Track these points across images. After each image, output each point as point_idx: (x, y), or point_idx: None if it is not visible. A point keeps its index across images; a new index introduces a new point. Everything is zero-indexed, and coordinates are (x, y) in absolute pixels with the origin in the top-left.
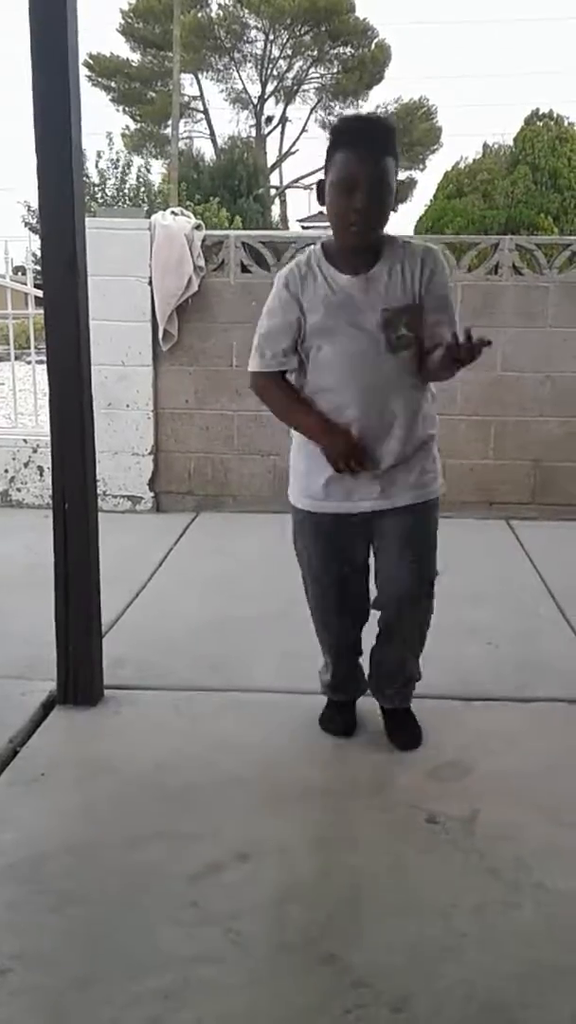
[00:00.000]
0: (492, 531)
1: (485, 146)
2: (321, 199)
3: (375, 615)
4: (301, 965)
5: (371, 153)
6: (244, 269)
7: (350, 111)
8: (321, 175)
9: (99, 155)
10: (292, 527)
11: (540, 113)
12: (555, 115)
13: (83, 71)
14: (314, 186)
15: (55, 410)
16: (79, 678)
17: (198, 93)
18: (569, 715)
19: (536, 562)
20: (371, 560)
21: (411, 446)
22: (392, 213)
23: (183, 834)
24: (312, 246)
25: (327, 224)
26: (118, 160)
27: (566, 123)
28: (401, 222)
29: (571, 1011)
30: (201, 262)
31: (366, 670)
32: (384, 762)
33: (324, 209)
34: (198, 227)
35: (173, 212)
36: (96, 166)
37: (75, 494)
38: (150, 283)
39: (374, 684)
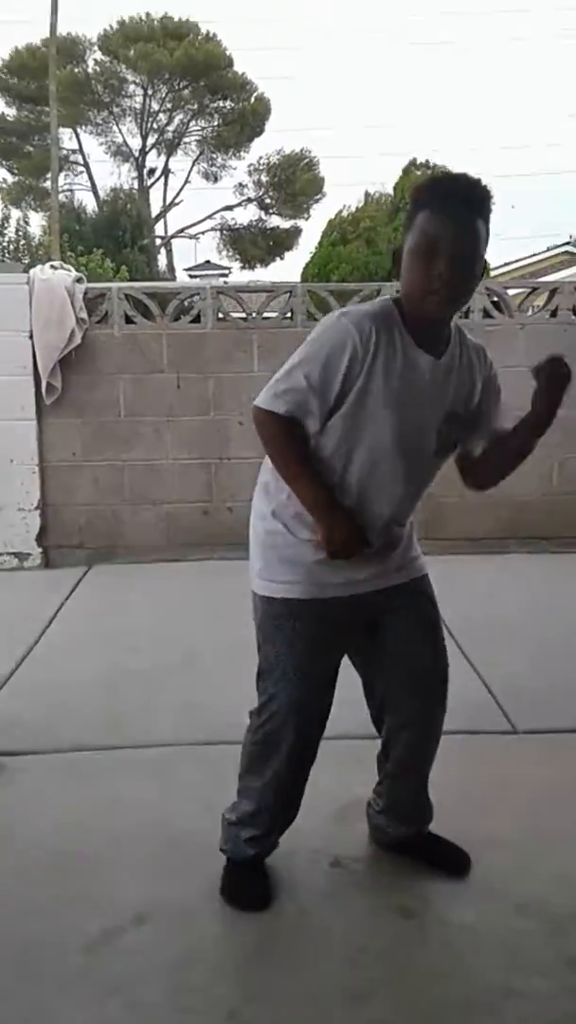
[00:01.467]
0: None
1: (366, 194)
2: (397, 270)
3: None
4: None
5: (465, 215)
6: (128, 320)
7: (233, 162)
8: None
9: None
10: (264, 628)
11: (417, 162)
12: (431, 164)
13: None
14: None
15: None
16: None
17: (77, 146)
18: (467, 746)
19: None
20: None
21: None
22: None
23: (79, 901)
24: (384, 299)
25: (214, 272)
26: None
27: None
28: (287, 270)
29: None
30: (83, 315)
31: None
32: None
33: (399, 283)
34: (79, 280)
35: (52, 266)
36: None
37: None
38: (31, 337)
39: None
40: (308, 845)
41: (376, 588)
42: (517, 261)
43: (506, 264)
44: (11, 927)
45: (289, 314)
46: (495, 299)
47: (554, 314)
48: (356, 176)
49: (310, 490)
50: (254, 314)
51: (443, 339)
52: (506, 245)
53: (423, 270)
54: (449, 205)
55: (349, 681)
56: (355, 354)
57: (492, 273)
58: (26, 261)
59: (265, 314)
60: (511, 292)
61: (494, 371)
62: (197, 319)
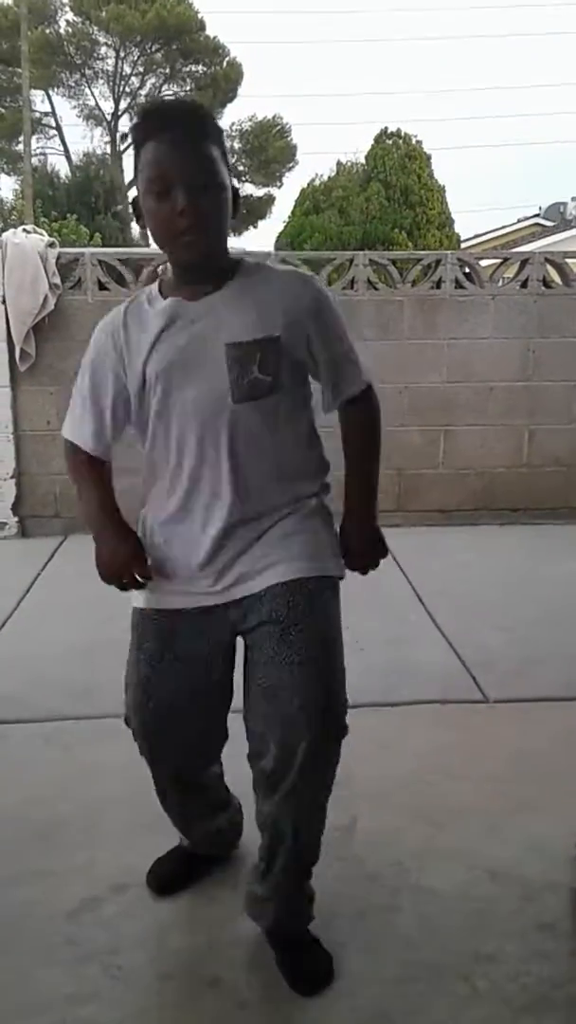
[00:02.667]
0: None
1: (339, 163)
2: (140, 218)
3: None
4: (185, 992)
5: (186, 138)
6: (102, 287)
7: None
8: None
9: None
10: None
11: (389, 132)
12: (403, 133)
13: None
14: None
15: None
16: None
17: (49, 109)
18: (439, 716)
19: (404, 568)
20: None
21: (276, 513)
22: (231, 218)
23: (58, 870)
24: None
25: None
26: None
27: (413, 141)
28: (261, 238)
29: (449, 1011)
30: (56, 280)
31: None
32: None
33: (149, 231)
34: (52, 245)
35: (25, 230)
36: None
37: None
38: (3, 302)
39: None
40: None
41: (232, 598)
42: (488, 233)
43: (477, 236)
44: None
45: None
46: (467, 270)
47: (524, 285)
48: (328, 144)
49: (82, 505)
50: None
51: (214, 280)
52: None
53: (162, 213)
54: (170, 130)
55: None
56: (110, 356)
57: (463, 245)
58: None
59: None
60: (483, 263)
61: (315, 290)
62: None
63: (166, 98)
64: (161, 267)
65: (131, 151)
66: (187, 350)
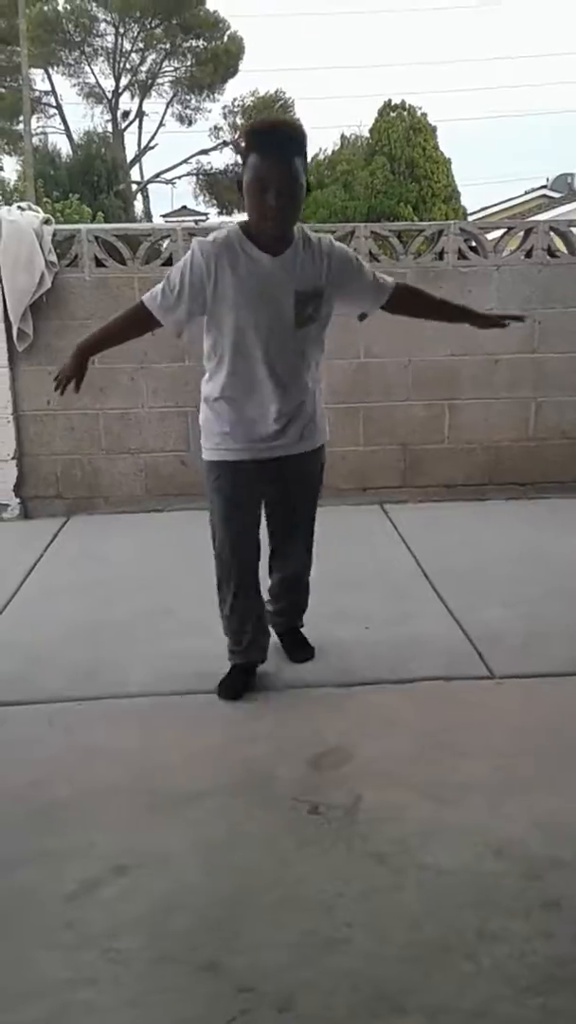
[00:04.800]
0: (367, 516)
1: (343, 137)
2: (241, 199)
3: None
4: (183, 976)
5: (281, 155)
6: (99, 264)
7: (207, 104)
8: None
9: None
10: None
11: (393, 104)
12: (407, 106)
13: None
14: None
15: None
16: None
17: (49, 88)
18: (445, 692)
19: (410, 544)
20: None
21: (300, 399)
22: (302, 208)
23: (57, 852)
24: (229, 226)
25: (192, 218)
26: None
27: (419, 113)
28: None
29: (454, 989)
30: (53, 257)
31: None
32: (265, 757)
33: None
34: (47, 221)
35: (20, 207)
36: None
37: None
38: None
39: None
40: (286, 792)
41: (274, 456)
42: (495, 206)
43: (483, 209)
44: None
45: None
46: (471, 243)
47: (529, 255)
48: (331, 118)
49: (101, 327)
50: None
51: (285, 243)
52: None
53: (257, 203)
54: (270, 148)
55: (315, 630)
56: (200, 264)
57: (470, 218)
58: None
59: None
60: (489, 236)
61: (339, 252)
62: (169, 262)
63: (270, 118)
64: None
65: (136, 128)
66: (266, 289)
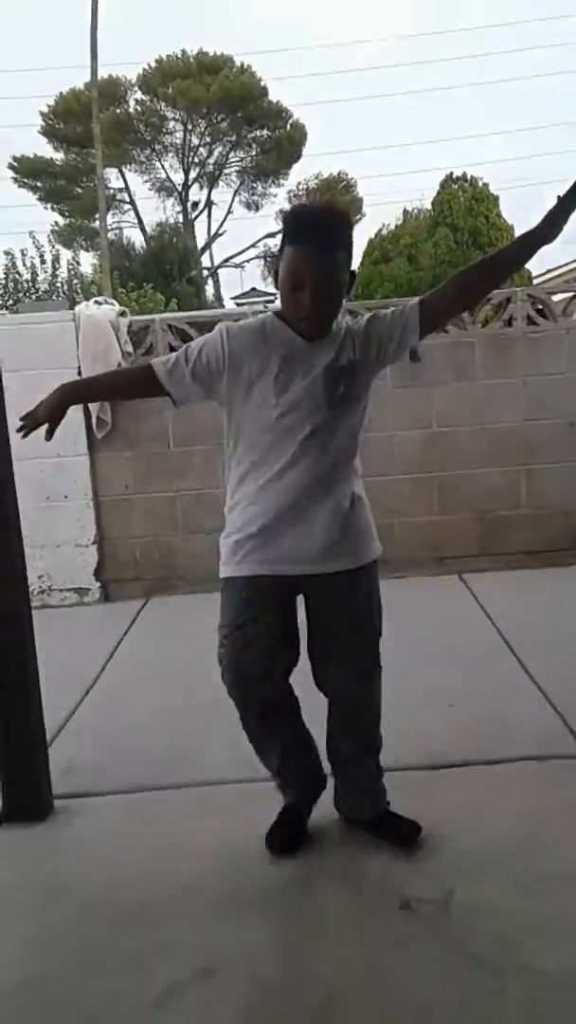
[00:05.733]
0: (444, 587)
1: (405, 212)
2: (276, 282)
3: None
4: None
5: (318, 250)
6: (172, 350)
7: (273, 189)
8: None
9: (23, 252)
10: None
11: (454, 176)
12: (468, 177)
13: (9, 173)
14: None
15: None
16: (24, 793)
17: (123, 185)
18: (538, 774)
19: (491, 614)
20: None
21: (344, 504)
22: (343, 301)
23: (143, 955)
24: (265, 314)
25: (259, 300)
26: (43, 255)
27: (480, 184)
28: None
29: None
30: (129, 348)
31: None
32: (352, 848)
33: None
34: (123, 313)
35: (96, 301)
36: (24, 263)
37: (4, 595)
38: (79, 373)
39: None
40: (376, 886)
41: (302, 573)
42: (560, 267)
43: (548, 272)
44: (74, 987)
45: None
46: (539, 307)
47: None
48: (394, 194)
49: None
50: None
51: (323, 333)
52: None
53: (291, 299)
54: (307, 241)
55: (398, 709)
56: (220, 348)
57: (535, 281)
58: (79, 299)
59: None
60: (556, 299)
61: (369, 319)
62: None
63: (312, 204)
64: None
65: (205, 216)
66: (299, 374)
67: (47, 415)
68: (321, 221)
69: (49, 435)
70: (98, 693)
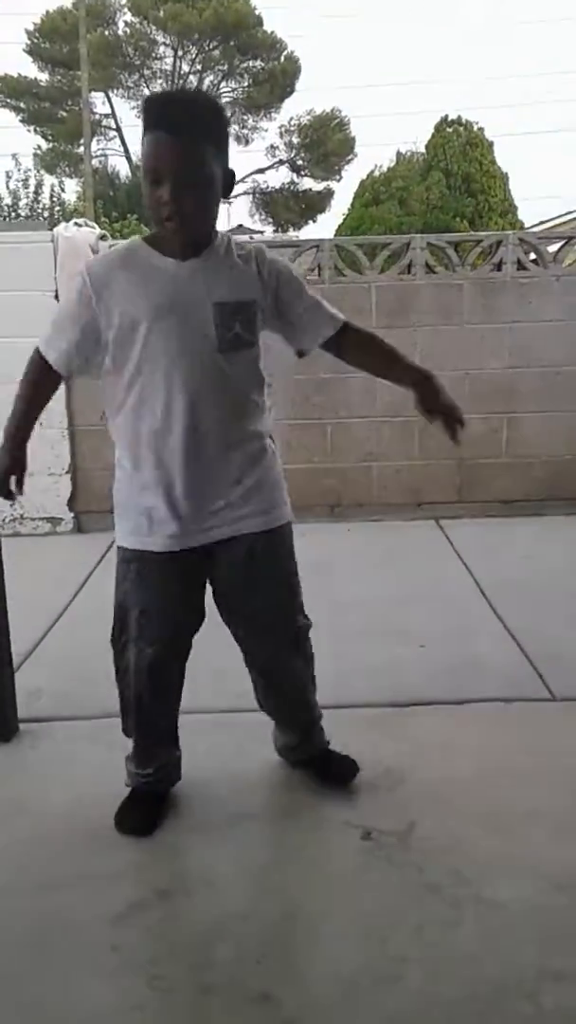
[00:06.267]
0: (421, 531)
1: (398, 154)
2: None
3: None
4: (230, 1008)
5: (182, 137)
6: None
7: (264, 123)
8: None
9: (8, 175)
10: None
11: (449, 119)
12: (464, 121)
13: None
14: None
15: None
16: None
17: (109, 110)
18: (504, 715)
19: (466, 560)
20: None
21: (243, 461)
22: (217, 206)
23: (102, 873)
24: (132, 238)
25: (247, 236)
26: (27, 180)
27: (475, 128)
28: (320, 231)
29: None
30: None
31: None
32: (314, 779)
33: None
34: (103, 237)
35: (76, 223)
36: (7, 186)
37: None
38: (56, 297)
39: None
40: (338, 816)
41: (198, 543)
42: (553, 219)
43: (541, 223)
44: (33, 900)
45: (316, 269)
46: (532, 256)
47: None
48: (387, 135)
49: (11, 411)
50: None
51: (197, 247)
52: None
53: (152, 197)
54: (167, 125)
55: (369, 649)
56: (88, 295)
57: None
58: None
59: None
60: (550, 249)
61: (280, 264)
62: None
63: (175, 90)
64: None
65: None
66: (176, 303)
67: (11, 470)
68: (185, 107)
69: (20, 487)
70: (67, 622)
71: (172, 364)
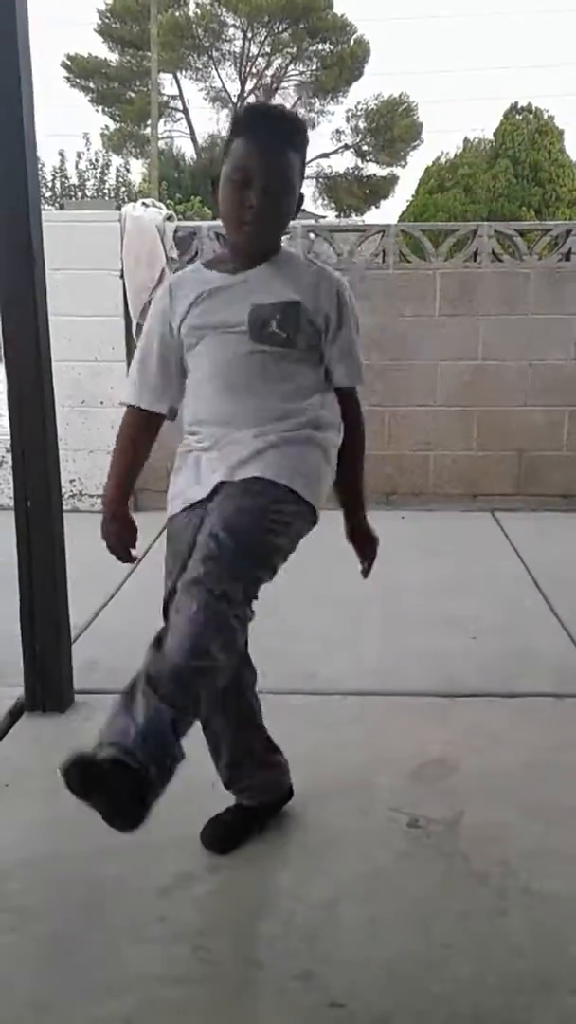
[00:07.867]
0: (476, 523)
1: (466, 141)
2: (215, 197)
3: None
4: (274, 984)
5: (275, 144)
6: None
7: (331, 107)
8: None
9: (78, 155)
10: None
11: (519, 107)
12: (534, 108)
13: (61, 72)
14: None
15: (14, 403)
16: (47, 684)
17: (177, 92)
18: (555, 710)
19: (521, 553)
20: None
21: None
22: (289, 220)
23: (153, 845)
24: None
25: (310, 221)
26: (96, 160)
27: (545, 116)
28: (383, 217)
29: (557, 1022)
30: (174, 253)
31: None
32: (366, 763)
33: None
34: (169, 218)
35: (144, 203)
36: (76, 166)
37: (38, 492)
38: (122, 276)
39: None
40: (384, 803)
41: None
42: None
43: None
44: (82, 869)
45: (381, 255)
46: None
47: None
48: (455, 122)
49: (110, 470)
50: (345, 254)
51: (257, 259)
52: None
53: (235, 198)
54: (261, 134)
55: (421, 637)
56: (165, 307)
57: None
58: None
59: (358, 256)
60: None
61: (345, 291)
62: None
63: (270, 103)
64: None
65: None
66: (218, 309)
67: (122, 535)
68: (284, 120)
69: (133, 547)
70: (123, 598)
71: (215, 366)
